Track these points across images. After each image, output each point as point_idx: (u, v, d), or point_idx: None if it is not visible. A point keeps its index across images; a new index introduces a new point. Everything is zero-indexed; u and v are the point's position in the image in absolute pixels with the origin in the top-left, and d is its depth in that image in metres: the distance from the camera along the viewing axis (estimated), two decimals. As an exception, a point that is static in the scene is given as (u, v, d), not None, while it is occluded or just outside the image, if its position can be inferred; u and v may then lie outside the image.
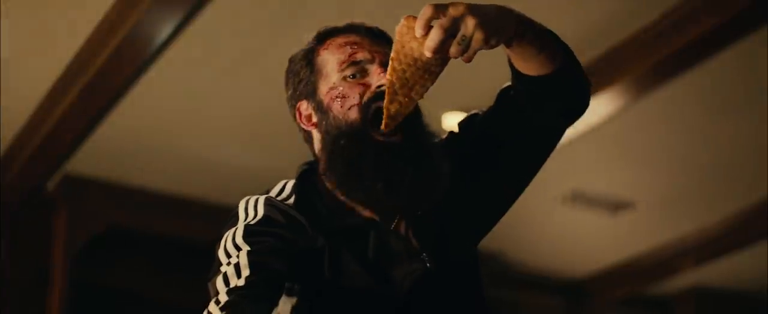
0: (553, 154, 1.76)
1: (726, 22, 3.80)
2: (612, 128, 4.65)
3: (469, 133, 1.74)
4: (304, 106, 1.70)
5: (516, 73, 1.62)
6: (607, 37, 4.07)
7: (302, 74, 1.70)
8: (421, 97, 1.56)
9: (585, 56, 3.89)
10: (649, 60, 4.11)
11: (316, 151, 1.70)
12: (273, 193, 1.67)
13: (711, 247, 5.90)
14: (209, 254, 1.62)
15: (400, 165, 1.60)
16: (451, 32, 1.43)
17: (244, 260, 1.52)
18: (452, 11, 1.44)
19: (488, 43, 1.45)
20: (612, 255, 6.19)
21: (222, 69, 4.24)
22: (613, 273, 6.34)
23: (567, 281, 6.48)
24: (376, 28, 1.71)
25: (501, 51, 1.57)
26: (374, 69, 1.65)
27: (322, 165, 1.67)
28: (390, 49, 1.51)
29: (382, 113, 1.54)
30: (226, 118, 4.61)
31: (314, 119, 1.69)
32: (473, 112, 1.77)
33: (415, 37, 1.47)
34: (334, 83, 1.66)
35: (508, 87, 1.69)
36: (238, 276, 1.51)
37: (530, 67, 1.59)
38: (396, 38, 1.49)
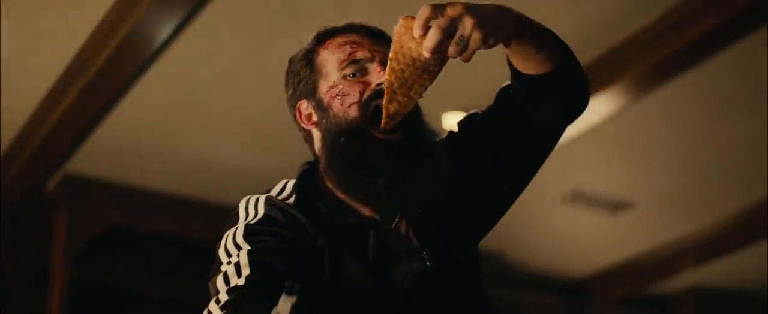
0: (553, 154, 1.76)
1: (726, 22, 3.80)
2: (612, 128, 4.65)
3: (468, 132, 1.74)
4: (305, 106, 1.70)
5: (515, 72, 1.62)
6: (607, 37, 4.07)
7: (302, 74, 1.70)
8: (420, 96, 1.56)
9: (585, 56, 3.89)
10: (649, 60, 4.11)
11: (317, 150, 1.70)
12: (273, 193, 1.68)
13: (711, 247, 5.90)
14: (209, 254, 1.62)
15: (400, 164, 1.60)
16: (449, 32, 1.44)
17: (244, 259, 1.52)
18: (450, 11, 1.44)
19: (486, 43, 1.45)
20: (612, 255, 6.19)
21: (222, 69, 4.25)
22: (613, 273, 6.34)
23: (567, 281, 6.48)
24: (376, 27, 1.71)
25: (500, 50, 1.58)
26: (374, 67, 1.65)
27: (322, 164, 1.67)
28: (389, 48, 1.51)
29: (382, 111, 1.55)
30: (226, 117, 4.61)
31: (314, 118, 1.69)
32: (473, 111, 1.77)
33: (413, 37, 1.47)
34: (334, 82, 1.66)
35: (508, 86, 1.69)
36: (239, 275, 1.51)
37: (529, 66, 1.59)
38: (394, 38, 1.49)
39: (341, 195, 1.65)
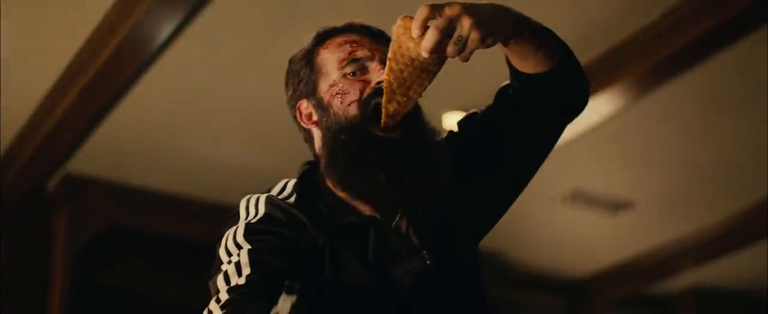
0: (553, 154, 1.76)
1: (725, 22, 3.80)
2: (612, 128, 4.65)
3: (468, 132, 1.74)
4: (305, 105, 1.70)
5: (514, 71, 1.62)
6: (607, 37, 4.07)
7: (302, 74, 1.71)
8: (420, 96, 1.57)
9: (585, 56, 3.89)
10: (649, 60, 4.11)
11: (317, 149, 1.70)
12: (274, 192, 1.68)
13: (711, 247, 5.90)
14: (209, 254, 1.62)
15: (400, 162, 1.60)
16: (447, 32, 1.44)
17: (244, 258, 1.52)
18: (448, 11, 1.44)
19: (484, 43, 1.46)
20: (612, 254, 6.19)
21: (222, 69, 4.25)
22: (613, 273, 6.34)
23: (567, 280, 6.48)
24: (375, 27, 1.71)
25: (500, 49, 1.58)
26: (374, 66, 1.65)
27: (322, 163, 1.67)
28: (389, 47, 1.52)
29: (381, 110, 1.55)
30: (226, 117, 4.61)
31: (315, 117, 1.69)
32: (472, 111, 1.77)
33: (411, 38, 1.47)
34: (334, 80, 1.66)
35: (507, 85, 1.69)
36: (239, 274, 1.51)
37: (528, 65, 1.59)
38: (393, 38, 1.50)
39: (341, 195, 1.66)
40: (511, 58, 1.60)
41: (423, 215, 1.66)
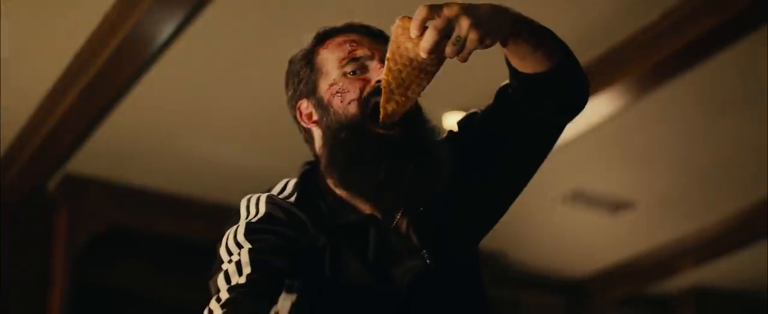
0: (554, 154, 1.76)
1: (726, 22, 3.80)
2: (612, 128, 4.65)
3: (468, 131, 1.74)
4: (305, 105, 1.70)
5: (513, 71, 1.62)
6: (607, 37, 4.07)
7: (302, 74, 1.71)
8: (418, 96, 1.57)
9: (585, 56, 3.89)
10: (649, 60, 4.11)
11: (317, 148, 1.70)
12: (275, 192, 1.68)
13: (711, 247, 5.90)
14: (210, 254, 1.62)
15: (401, 160, 1.60)
16: (445, 33, 1.44)
17: (245, 258, 1.53)
18: (446, 12, 1.44)
19: (483, 43, 1.46)
20: (612, 254, 6.19)
21: (222, 69, 4.25)
22: (614, 273, 6.34)
23: (567, 280, 6.48)
24: (375, 27, 1.72)
25: (500, 49, 1.58)
26: (374, 65, 1.66)
27: (323, 162, 1.67)
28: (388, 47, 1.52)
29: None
30: (226, 117, 4.61)
31: (315, 117, 1.69)
32: (472, 110, 1.78)
33: (410, 38, 1.48)
34: (334, 79, 1.67)
35: (507, 85, 1.69)
36: (240, 273, 1.51)
37: (527, 64, 1.59)
38: (391, 38, 1.50)
39: (342, 194, 1.66)
40: (510, 58, 1.60)
41: (423, 215, 1.67)
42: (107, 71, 4.04)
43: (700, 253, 5.98)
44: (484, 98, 1.79)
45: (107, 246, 5.32)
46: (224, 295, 1.49)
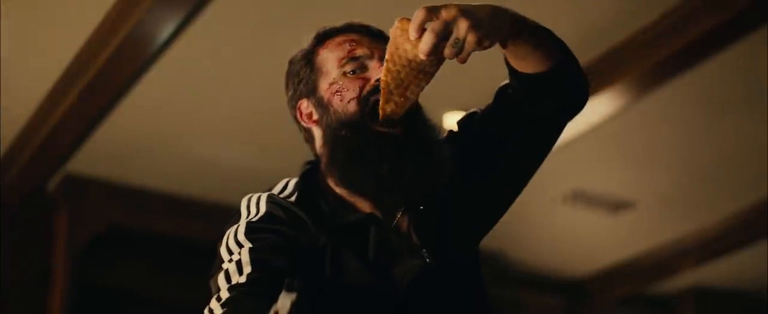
0: (554, 154, 1.76)
1: (726, 22, 3.81)
2: (612, 128, 4.65)
3: (468, 131, 1.74)
4: (305, 105, 1.71)
5: (512, 71, 1.62)
6: (607, 37, 4.07)
7: (302, 74, 1.71)
8: (417, 96, 1.57)
9: (585, 56, 3.90)
10: (649, 60, 4.11)
11: (318, 147, 1.70)
12: (275, 191, 1.68)
13: (711, 247, 5.90)
14: (210, 254, 1.62)
15: (401, 159, 1.60)
16: (443, 35, 1.44)
17: (245, 257, 1.53)
18: (445, 14, 1.44)
19: (481, 45, 1.46)
20: (612, 254, 6.20)
21: (223, 69, 4.25)
22: (614, 273, 6.34)
23: (567, 280, 6.49)
24: (375, 27, 1.72)
25: (500, 48, 1.58)
26: (374, 64, 1.66)
27: (323, 161, 1.67)
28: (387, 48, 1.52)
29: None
30: (226, 117, 4.61)
31: (315, 116, 1.69)
32: (472, 110, 1.78)
33: (409, 39, 1.48)
34: (333, 79, 1.67)
35: (507, 84, 1.69)
36: (240, 273, 1.51)
37: (526, 65, 1.59)
38: (390, 40, 1.50)
39: (342, 193, 1.66)
40: (509, 58, 1.61)
41: (423, 214, 1.67)
42: (107, 71, 4.04)
43: (700, 253, 5.99)
44: (484, 98, 1.79)
45: (107, 246, 5.32)
46: (225, 294, 1.49)
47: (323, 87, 1.68)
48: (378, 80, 1.61)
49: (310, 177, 1.70)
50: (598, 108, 4.30)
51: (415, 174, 1.61)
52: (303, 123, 1.72)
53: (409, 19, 1.48)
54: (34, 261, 5.06)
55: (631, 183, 5.31)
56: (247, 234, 1.57)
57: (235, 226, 1.60)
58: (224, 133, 4.76)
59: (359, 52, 1.67)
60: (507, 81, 1.68)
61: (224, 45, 4.08)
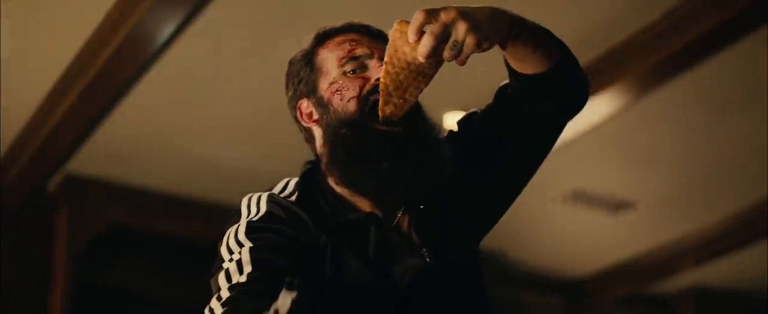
0: (554, 154, 1.76)
1: (725, 22, 3.81)
2: (612, 128, 4.66)
3: (468, 131, 1.75)
4: (305, 105, 1.71)
5: (512, 72, 1.62)
6: (608, 37, 4.07)
7: (302, 74, 1.71)
8: (416, 98, 1.58)
9: (585, 56, 3.90)
10: (649, 60, 4.11)
11: (318, 147, 1.70)
12: (276, 191, 1.68)
13: (711, 247, 5.91)
14: (210, 254, 1.62)
15: (402, 157, 1.60)
16: (442, 38, 1.45)
17: (246, 256, 1.53)
18: (443, 17, 1.44)
19: (480, 47, 1.46)
20: (612, 254, 6.20)
21: (223, 69, 4.25)
22: (614, 273, 6.34)
23: (567, 280, 6.49)
24: (374, 27, 1.72)
25: (500, 50, 1.58)
26: (374, 63, 1.66)
27: (324, 160, 1.67)
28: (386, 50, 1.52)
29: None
30: (227, 117, 4.61)
31: (315, 116, 1.70)
32: (472, 110, 1.78)
33: (408, 42, 1.48)
34: (333, 78, 1.67)
35: (507, 84, 1.69)
36: (241, 272, 1.51)
37: (526, 65, 1.59)
38: (389, 42, 1.51)
39: (343, 193, 1.66)
40: (509, 59, 1.61)
41: (424, 213, 1.67)
42: (108, 71, 4.04)
43: (700, 253, 5.99)
44: (484, 98, 1.79)
45: (107, 246, 5.32)
46: (225, 294, 1.49)
47: (323, 86, 1.68)
48: (378, 79, 1.61)
49: (311, 177, 1.70)
50: (598, 108, 4.31)
51: (416, 173, 1.61)
52: (303, 123, 1.72)
53: (408, 22, 1.48)
54: (35, 262, 5.07)
55: (631, 183, 5.31)
56: (248, 233, 1.57)
57: (236, 226, 1.60)
58: (224, 133, 4.76)
59: (359, 51, 1.67)
60: (507, 81, 1.68)
61: (224, 45, 4.08)
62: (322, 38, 1.72)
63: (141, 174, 5.08)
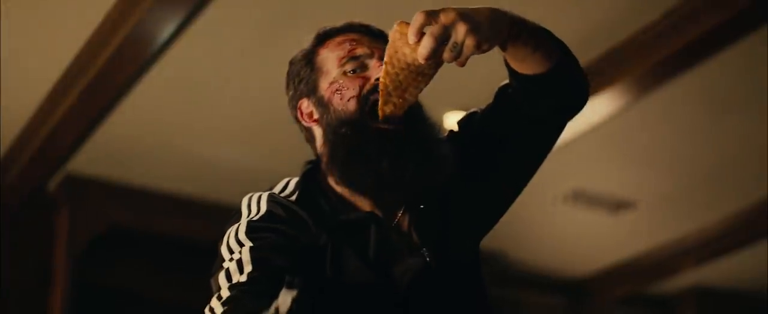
0: (554, 154, 1.76)
1: (726, 21, 3.81)
2: (613, 128, 4.65)
3: (468, 131, 1.75)
4: (306, 104, 1.71)
5: (512, 72, 1.63)
6: (608, 37, 4.07)
7: (302, 74, 1.72)
8: (415, 98, 1.58)
9: (586, 56, 3.90)
10: (650, 60, 4.11)
11: (318, 146, 1.71)
12: (276, 190, 1.68)
13: (711, 247, 5.90)
14: (210, 254, 1.63)
15: (402, 156, 1.60)
16: (442, 40, 1.45)
17: (246, 256, 1.53)
18: (443, 18, 1.44)
19: (480, 49, 1.46)
20: (613, 254, 6.20)
21: (223, 69, 4.25)
22: (614, 273, 6.34)
23: (568, 280, 6.49)
24: (375, 27, 1.72)
25: (499, 51, 1.58)
26: (374, 63, 1.66)
27: (324, 160, 1.68)
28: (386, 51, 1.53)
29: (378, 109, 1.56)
30: (227, 117, 4.61)
31: (315, 115, 1.70)
32: (472, 110, 1.78)
33: (407, 43, 1.48)
34: (334, 78, 1.68)
35: (507, 84, 1.69)
36: (241, 272, 1.51)
37: (526, 66, 1.60)
38: (389, 43, 1.51)
39: (343, 192, 1.66)
40: (509, 60, 1.61)
41: (424, 213, 1.67)
42: (108, 71, 4.04)
43: (700, 253, 5.99)
44: (484, 98, 1.79)
45: (108, 246, 5.32)
46: (225, 293, 1.49)
47: (323, 86, 1.68)
48: (378, 79, 1.61)
49: (311, 177, 1.70)
50: (598, 108, 4.31)
51: (416, 172, 1.61)
52: (304, 122, 1.72)
53: (408, 23, 1.48)
54: (35, 262, 5.07)
55: (631, 183, 5.32)
56: (248, 233, 1.57)
57: (236, 225, 1.60)
58: (224, 133, 4.76)
59: (359, 51, 1.67)
60: (507, 81, 1.68)
61: (224, 45, 4.08)
62: (323, 38, 1.72)
63: (141, 174, 5.08)
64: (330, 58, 1.69)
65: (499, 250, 5.91)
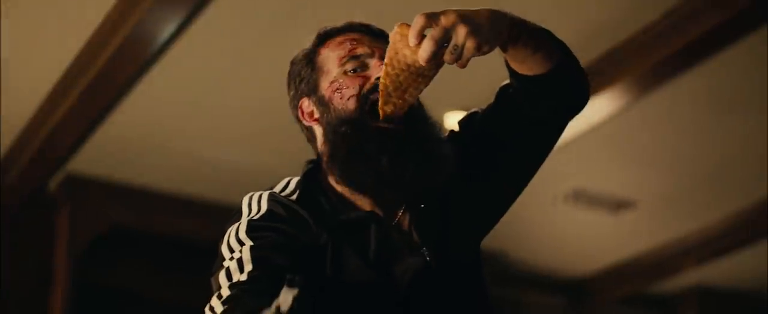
0: (554, 154, 1.76)
1: (726, 21, 3.81)
2: (613, 127, 4.66)
3: (469, 131, 1.75)
4: (306, 104, 1.71)
5: (513, 73, 1.63)
6: (608, 37, 4.07)
7: (303, 73, 1.72)
8: (415, 99, 1.58)
9: (586, 56, 3.89)
10: (650, 60, 4.11)
11: (319, 146, 1.71)
12: (277, 189, 1.68)
13: (712, 246, 5.90)
14: (210, 253, 1.63)
15: (403, 155, 1.61)
16: (443, 42, 1.45)
17: (246, 255, 1.53)
18: (444, 21, 1.45)
19: (480, 51, 1.47)
20: (613, 254, 6.19)
21: (224, 69, 4.25)
22: (615, 272, 6.34)
23: (568, 280, 6.49)
24: (375, 26, 1.72)
25: (500, 52, 1.58)
26: (374, 62, 1.67)
27: (325, 159, 1.68)
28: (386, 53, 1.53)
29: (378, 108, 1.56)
30: (227, 117, 4.61)
31: (316, 115, 1.70)
32: (473, 110, 1.78)
33: (408, 45, 1.48)
34: (334, 77, 1.68)
35: (508, 84, 1.70)
36: (241, 271, 1.51)
37: (526, 67, 1.60)
38: (390, 44, 1.51)
39: (344, 191, 1.67)
40: (509, 61, 1.61)
41: (424, 212, 1.67)
42: (108, 71, 4.04)
43: (701, 253, 5.98)
44: (484, 98, 1.79)
45: (108, 246, 5.32)
46: (225, 292, 1.49)
47: (324, 86, 1.68)
48: (378, 78, 1.61)
49: (312, 176, 1.70)
50: (598, 108, 4.31)
51: (416, 171, 1.61)
52: (304, 122, 1.72)
53: (408, 25, 1.48)
54: (35, 262, 5.07)
55: (631, 182, 5.32)
56: (249, 232, 1.57)
57: (237, 224, 1.60)
58: (224, 133, 4.76)
59: (360, 50, 1.67)
60: (508, 81, 1.68)
61: (225, 45, 4.08)
62: (324, 38, 1.73)
63: (141, 174, 5.09)
64: (331, 58, 1.69)
65: (500, 250, 5.91)
